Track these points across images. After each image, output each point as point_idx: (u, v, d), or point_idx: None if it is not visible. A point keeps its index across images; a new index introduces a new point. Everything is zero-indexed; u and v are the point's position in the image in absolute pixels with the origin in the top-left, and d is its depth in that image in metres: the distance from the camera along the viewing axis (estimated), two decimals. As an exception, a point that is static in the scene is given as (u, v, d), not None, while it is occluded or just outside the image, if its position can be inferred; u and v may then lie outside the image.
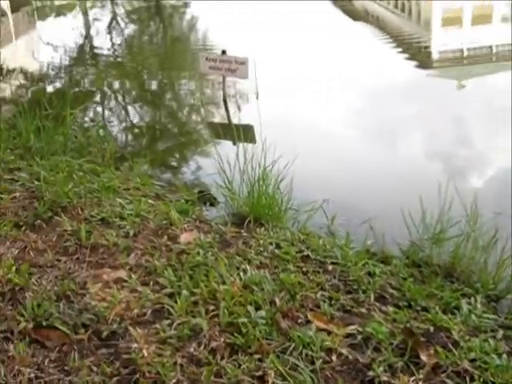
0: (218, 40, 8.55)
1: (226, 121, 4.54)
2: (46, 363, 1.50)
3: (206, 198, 2.65)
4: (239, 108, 4.66)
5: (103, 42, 10.82)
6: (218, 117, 4.67)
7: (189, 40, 10.52)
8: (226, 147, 3.38)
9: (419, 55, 7.41)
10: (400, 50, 7.67)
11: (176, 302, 1.71)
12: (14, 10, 12.34)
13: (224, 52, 4.58)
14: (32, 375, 1.45)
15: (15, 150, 3.12)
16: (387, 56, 7.27)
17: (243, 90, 4.87)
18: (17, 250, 2.02)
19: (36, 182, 2.52)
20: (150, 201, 2.44)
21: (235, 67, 4.44)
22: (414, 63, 6.85)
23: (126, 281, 1.84)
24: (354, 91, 5.21)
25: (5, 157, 2.87)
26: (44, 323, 1.62)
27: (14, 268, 1.86)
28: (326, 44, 7.53)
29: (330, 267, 2.02)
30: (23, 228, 2.15)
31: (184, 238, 2.12)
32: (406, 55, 7.25)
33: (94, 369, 1.48)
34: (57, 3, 14.62)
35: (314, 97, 4.85)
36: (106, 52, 9.92)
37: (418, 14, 11.53)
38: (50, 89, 6.90)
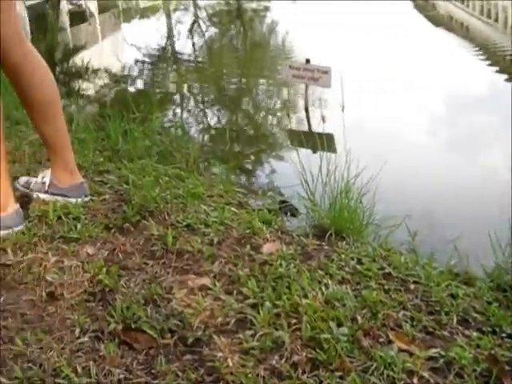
0: (297, 44, 8.58)
1: (307, 129, 4.56)
2: (134, 365, 1.56)
3: (288, 208, 2.68)
4: (323, 119, 4.68)
5: (184, 45, 11.03)
6: (299, 125, 4.70)
7: (268, 44, 10.60)
8: (307, 156, 3.39)
9: (506, 65, 7.20)
10: (485, 59, 7.48)
11: (259, 313, 1.74)
12: (101, 11, 12.78)
13: (308, 61, 4.62)
14: (121, 376, 1.50)
15: (104, 151, 3.25)
16: (472, 65, 7.11)
17: (327, 100, 4.89)
18: (106, 252, 2.10)
19: (124, 186, 2.61)
20: (233, 209, 2.48)
21: (318, 76, 4.47)
22: (501, 74, 6.67)
23: (210, 288, 1.88)
24: (438, 101, 5.13)
25: (94, 159, 2.99)
26: (133, 326, 1.68)
27: (104, 269, 1.94)
28: (407, 51, 7.43)
29: (412, 286, 2.00)
30: (112, 230, 2.24)
31: (266, 248, 2.15)
32: (492, 65, 7.06)
33: (180, 374, 1.53)
34: (141, 6, 15.03)
35: (397, 107, 4.81)
36: (187, 54, 10.11)
37: (505, 20, 11.18)
38: (133, 90, 7.11)
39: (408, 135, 4.24)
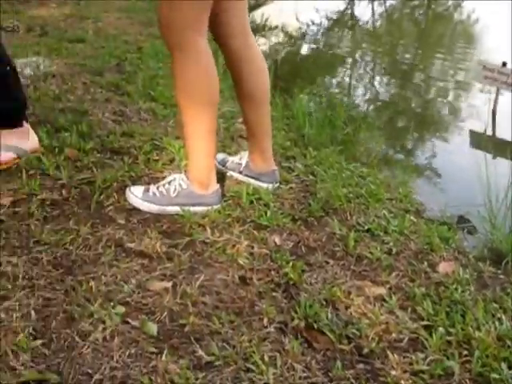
0: (480, 32, 8.14)
1: (491, 133, 4.41)
2: (313, 364, 1.71)
3: (465, 225, 2.69)
4: None
5: (364, 11, 10.88)
6: (481, 126, 4.56)
7: (452, 21, 10.17)
8: (489, 165, 3.32)
9: None
10: None
11: (431, 336, 1.82)
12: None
13: (504, 64, 4.43)
14: (302, 374, 1.66)
15: (289, 132, 3.39)
16: None
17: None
18: (291, 244, 2.25)
19: (310, 176, 2.75)
20: (412, 217, 2.54)
21: (512, 82, 4.29)
22: None
23: (385, 300, 1.99)
24: None
25: (282, 142, 3.14)
26: (315, 326, 1.83)
27: (290, 263, 2.10)
28: None
29: None
30: (298, 222, 2.39)
31: (443, 267, 2.20)
32: None
33: (353, 382, 1.66)
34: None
35: None
36: (364, 21, 9.96)
37: None
38: (315, 58, 7.17)
39: None
